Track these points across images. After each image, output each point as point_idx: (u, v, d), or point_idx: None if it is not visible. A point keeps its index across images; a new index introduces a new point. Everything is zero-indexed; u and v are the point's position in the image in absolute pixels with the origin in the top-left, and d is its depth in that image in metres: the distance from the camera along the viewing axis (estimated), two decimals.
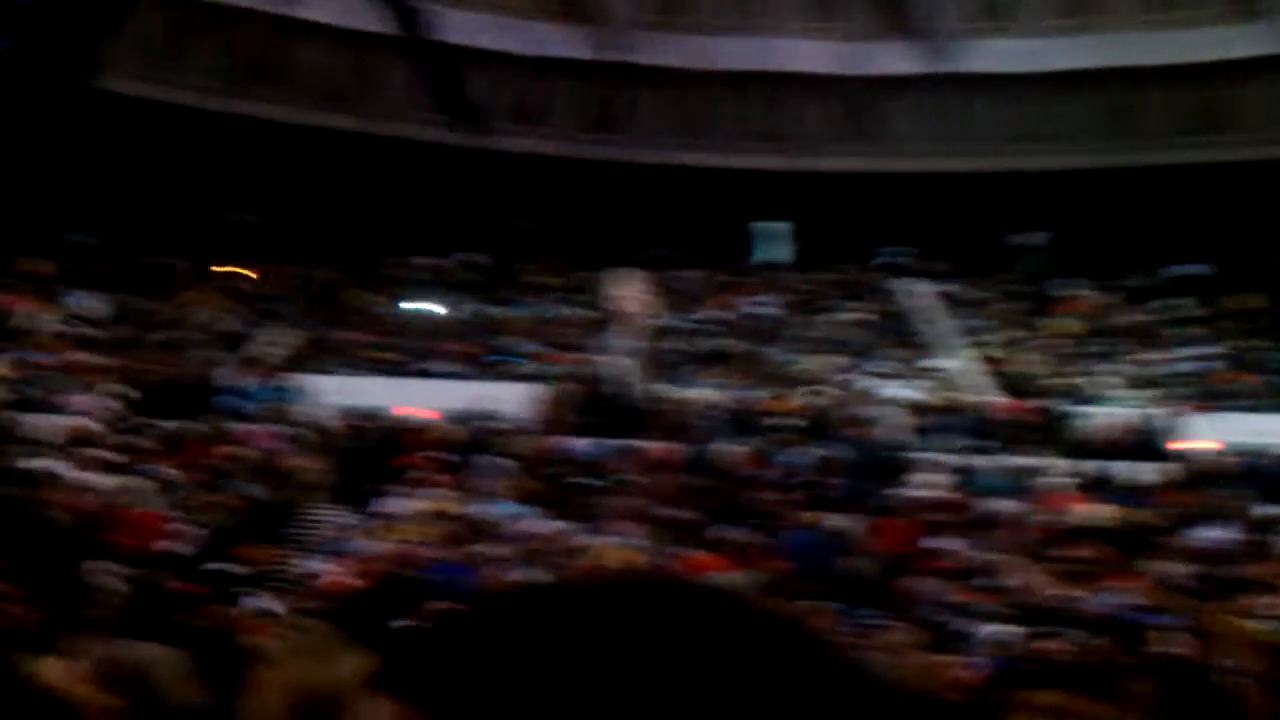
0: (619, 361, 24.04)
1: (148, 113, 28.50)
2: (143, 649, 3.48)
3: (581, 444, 19.93)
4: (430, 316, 27.46)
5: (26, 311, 24.92)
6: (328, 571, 13.44)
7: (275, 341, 24.99)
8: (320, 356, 24.55)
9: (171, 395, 21.32)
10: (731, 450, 19.54)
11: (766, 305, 28.87)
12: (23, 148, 25.14)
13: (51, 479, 18.63)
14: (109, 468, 18.41)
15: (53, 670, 4.24)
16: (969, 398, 22.93)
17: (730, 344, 26.23)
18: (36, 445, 20.36)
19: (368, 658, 3.11)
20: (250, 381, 22.59)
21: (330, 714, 2.71)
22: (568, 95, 32.85)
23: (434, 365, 24.52)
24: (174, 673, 3.29)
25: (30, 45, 25.92)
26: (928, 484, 18.13)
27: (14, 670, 3.77)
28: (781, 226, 33.67)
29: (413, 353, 25.04)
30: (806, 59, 32.21)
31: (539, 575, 12.22)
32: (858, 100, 32.53)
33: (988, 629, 10.88)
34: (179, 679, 3.27)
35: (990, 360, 25.48)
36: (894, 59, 31.48)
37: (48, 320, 24.84)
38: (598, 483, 17.89)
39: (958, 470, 19.01)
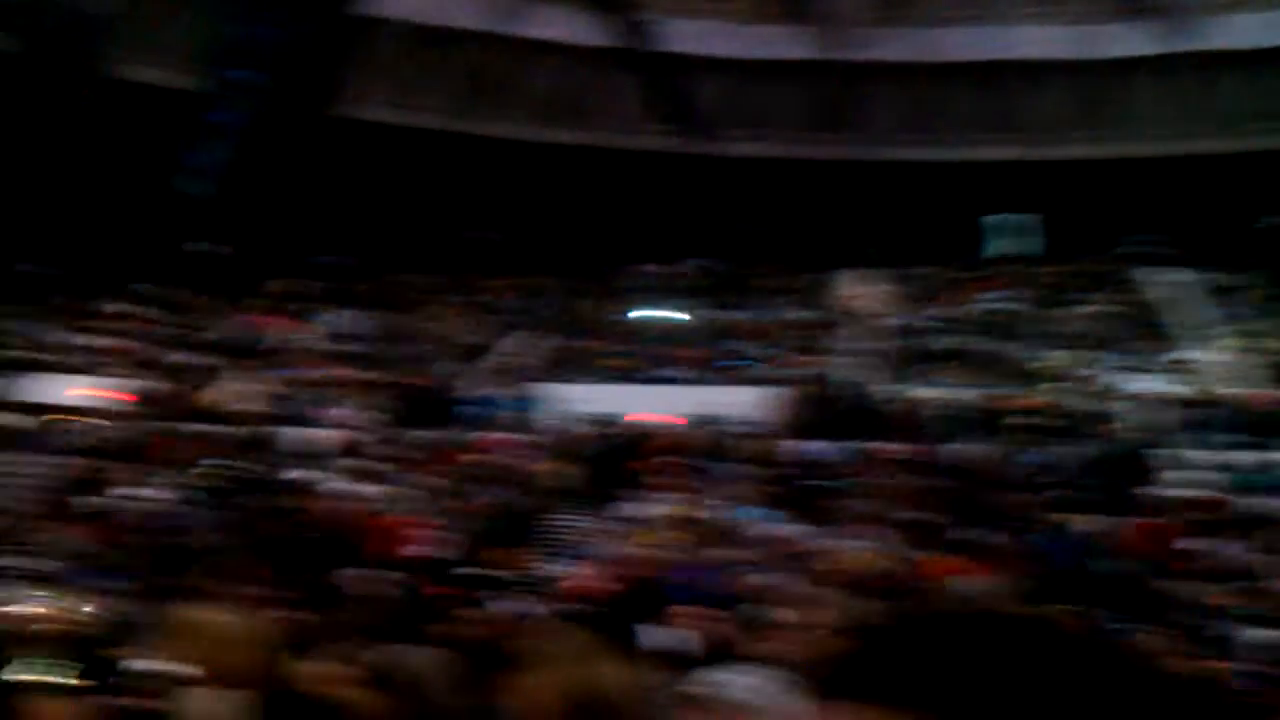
0: (853, 362, 23.81)
1: (391, 137, 29.80)
2: (410, 652, 3.65)
3: (817, 446, 19.80)
4: (664, 323, 27.78)
5: (281, 331, 26.37)
6: (574, 575, 13.75)
7: (517, 352, 25.71)
8: (560, 365, 25.15)
9: (421, 406, 22.19)
10: (972, 450, 19.08)
11: (1004, 300, 28.08)
12: (276, 176, 26.60)
13: (311, 489, 19.66)
14: (365, 477, 19.29)
15: (320, 673, 4.48)
16: (1225, 390, 21.78)
17: (967, 341, 25.62)
18: (296, 457, 21.52)
19: (628, 661, 3.20)
20: (495, 391, 23.32)
21: (599, 716, 2.80)
22: (793, 97, 32.74)
23: (668, 371, 24.79)
24: (441, 676, 3.43)
25: (280, 78, 27.39)
26: (1183, 482, 17.31)
27: (283, 674, 3.98)
28: (1018, 219, 32.73)
29: (648, 359, 25.37)
30: (1038, 45, 31.25)
31: (779, 579, 12.20)
32: (1093, 85, 31.37)
33: (1249, 633, 10.34)
34: (446, 682, 3.42)
35: (1248, 350, 24.14)
36: (1129, 40, 30.23)
37: (302, 338, 26.22)
38: (835, 485, 17.74)
39: (1216, 467, 18.08)
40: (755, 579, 12.26)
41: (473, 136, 31.00)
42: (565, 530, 17.28)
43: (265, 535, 17.45)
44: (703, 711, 2.64)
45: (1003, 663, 0.76)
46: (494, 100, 31.55)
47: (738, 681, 2.71)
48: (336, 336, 26.48)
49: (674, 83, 31.16)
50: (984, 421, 20.61)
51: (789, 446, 19.94)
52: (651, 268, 30.31)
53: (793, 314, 27.67)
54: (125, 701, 4.50)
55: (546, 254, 29.34)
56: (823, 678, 0.85)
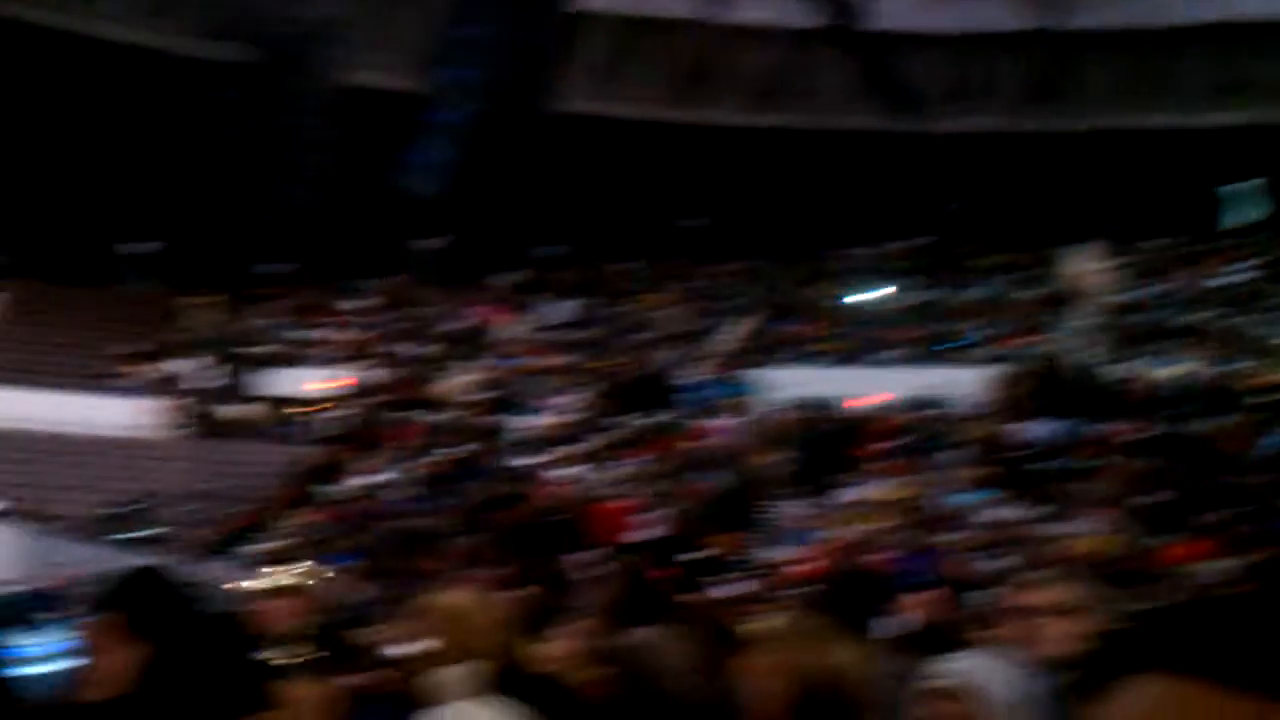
0: (1078, 340, 23.01)
1: (602, 129, 30.20)
2: (641, 634, 3.71)
3: (1041, 428, 19.21)
4: (877, 304, 27.40)
5: (502, 321, 27.08)
6: (793, 559, 13.73)
7: (730, 337, 25.77)
8: (773, 350, 25.09)
9: (638, 393, 22.47)
10: (1208, 430, 18.21)
11: (1241, 272, 26.67)
12: (494, 171, 27.28)
13: (534, 475, 20.16)
14: (585, 463, 19.67)
15: (553, 654, 4.60)
16: None
17: (1201, 316, 24.44)
18: (519, 444, 22.09)
19: (858, 646, 3.19)
20: (708, 377, 23.44)
21: (832, 699, 2.80)
22: (1007, 69, 31.81)
23: (883, 354, 24.45)
24: (673, 657, 3.48)
25: (496, 76, 28.08)
26: None
27: (518, 654, 4.10)
28: (1255, 186, 31.03)
29: (862, 342, 25.08)
30: (1265, 2, 29.53)
31: (1003, 565, 11.93)
32: None
33: None
34: (677, 662, 3.46)
35: None
36: None
37: (522, 328, 26.87)
38: (1060, 468, 17.20)
39: None
40: (979, 564, 12.02)
41: (682, 125, 31.15)
42: (781, 514, 17.26)
43: (491, 520, 18.01)
44: (944, 699, 2.61)
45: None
46: (703, 87, 31.62)
47: (974, 669, 2.66)
48: (554, 326, 27.04)
49: (884, 61, 30.65)
50: (1221, 400, 19.63)
51: (1012, 428, 19.43)
52: (864, 249, 29.91)
53: (1014, 292, 26.91)
54: (370, 681, 4.71)
55: (758, 238, 29.27)
56: (1087, 665, 0.84)
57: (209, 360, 25.28)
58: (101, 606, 3.62)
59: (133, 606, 3.56)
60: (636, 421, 21.17)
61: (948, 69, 31.78)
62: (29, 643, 9.91)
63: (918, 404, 20.72)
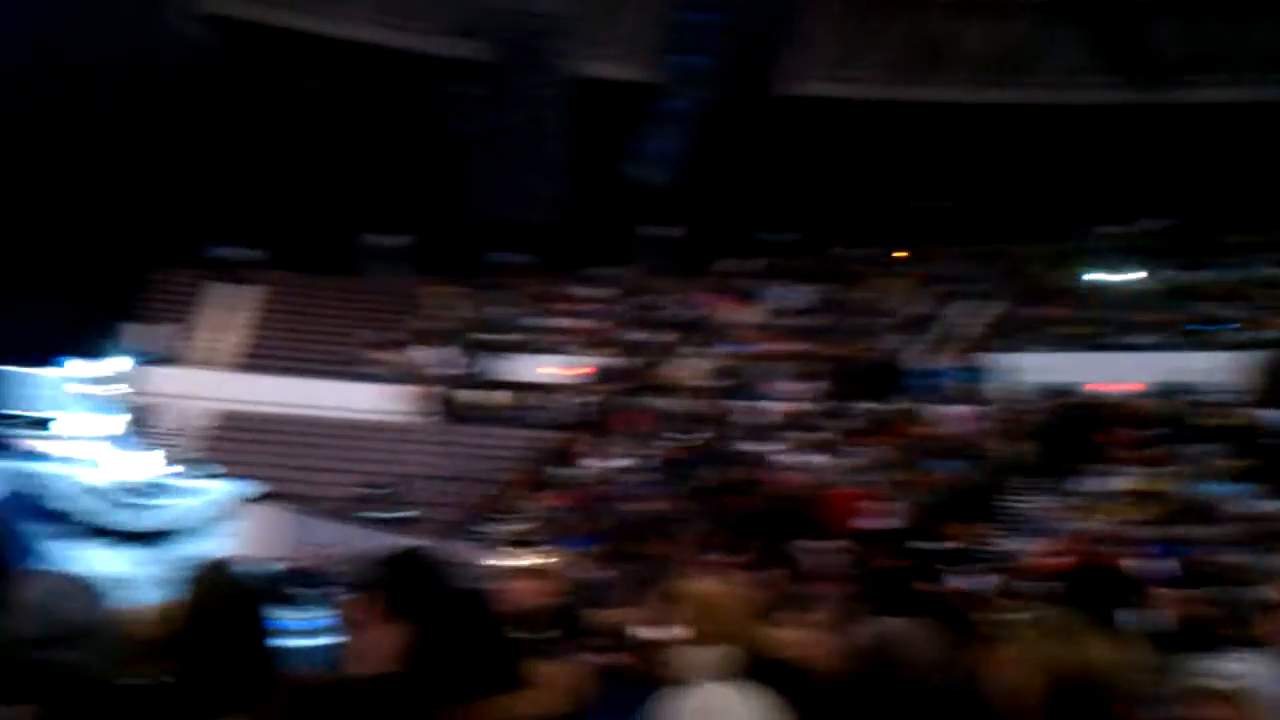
0: None
1: (831, 110, 29.90)
2: (886, 623, 3.69)
3: None
4: (1123, 286, 26.33)
5: (731, 308, 27.17)
6: (1035, 551, 13.37)
7: (966, 321, 25.20)
8: (1012, 334, 24.40)
9: (868, 378, 22.22)
10: None
11: None
12: (724, 158, 27.35)
13: (764, 461, 20.18)
14: (816, 449, 19.58)
15: (796, 640, 4.61)
16: None
17: None
18: (749, 430, 22.14)
19: (1110, 639, 3.10)
20: (943, 362, 22.99)
21: (1085, 694, 2.74)
22: (1270, 31, 29.98)
23: (1130, 338, 23.48)
24: (918, 647, 3.45)
25: (725, 62, 28.13)
26: None
27: (762, 640, 4.12)
28: None
29: (1107, 325, 24.14)
30: None
31: (1262, 561, 11.35)
32: None
33: None
34: (924, 653, 3.43)
35: None
36: None
37: (752, 315, 26.90)
38: None
39: None
40: (1233, 558, 11.47)
41: (917, 103, 30.54)
42: (1022, 504, 16.80)
43: (725, 506, 18.12)
44: (1216, 701, 2.52)
45: None
46: (937, 64, 30.93)
47: (1246, 670, 2.56)
48: (784, 311, 26.98)
49: (1124, 28, 29.33)
50: None
51: (1269, 416, 18.38)
52: (1108, 228, 28.76)
53: (1272, 272, 25.43)
54: (615, 662, 4.83)
55: (997, 219, 28.48)
56: None
57: (452, 347, 26.22)
58: (364, 585, 3.83)
59: (395, 586, 3.75)
60: (868, 408, 20.94)
61: (1198, 34, 30.19)
62: (291, 617, 10.49)
63: (1169, 390, 19.84)
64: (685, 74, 27.92)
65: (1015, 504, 16.74)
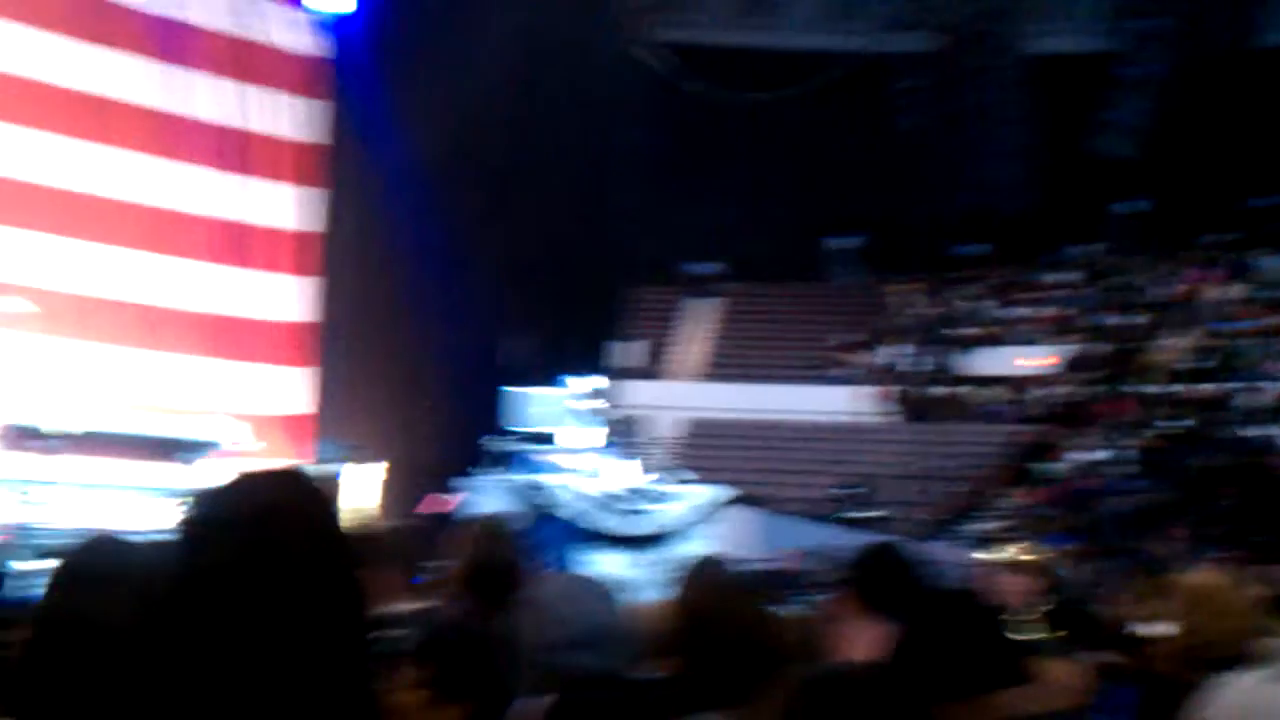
0: None
1: None
2: None
3: None
4: None
5: (1216, 283, 25.24)
6: None
7: None
8: None
9: None
10: None
11: None
12: (1193, 123, 25.48)
13: (1264, 446, 18.67)
14: None
15: None
16: None
17: None
18: (1243, 413, 20.53)
19: None
20: None
21: None
22: None
23: None
24: None
25: (1188, 19, 26.32)
26: None
27: (1260, 630, 3.83)
28: None
29: None
30: None
31: None
32: None
33: None
34: None
35: None
36: None
37: (1235, 290, 24.88)
38: None
39: None
40: None
41: None
42: None
43: (1219, 496, 16.91)
44: None
45: None
46: None
47: None
48: (1270, 284, 24.79)
49: None
50: None
51: None
52: None
53: None
54: (1116, 660, 4.64)
55: None
56: None
57: (915, 344, 26.02)
58: (842, 583, 3.89)
59: (870, 581, 3.79)
60: None
61: None
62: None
63: None
64: (1147, 38, 26.32)
65: None
